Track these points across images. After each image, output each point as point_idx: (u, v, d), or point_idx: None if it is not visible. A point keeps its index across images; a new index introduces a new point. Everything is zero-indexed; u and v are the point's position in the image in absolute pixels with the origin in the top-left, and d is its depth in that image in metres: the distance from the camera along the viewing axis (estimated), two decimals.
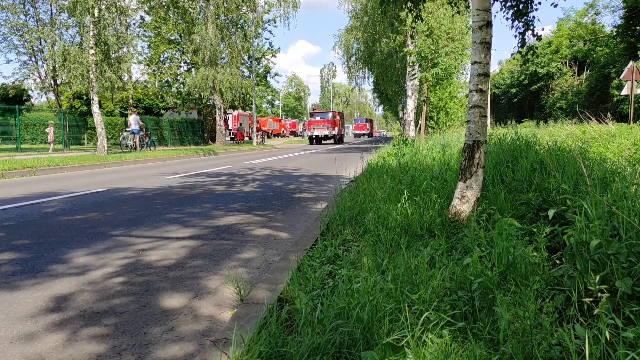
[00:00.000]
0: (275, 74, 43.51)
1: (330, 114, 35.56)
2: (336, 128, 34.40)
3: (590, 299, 1.97)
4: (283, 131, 64.55)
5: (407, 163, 7.02)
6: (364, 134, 64.54)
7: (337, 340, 1.85)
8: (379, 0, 5.36)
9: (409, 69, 21.74)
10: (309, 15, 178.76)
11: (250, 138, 40.26)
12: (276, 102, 75.72)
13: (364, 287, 2.20)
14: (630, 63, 15.60)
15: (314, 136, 34.96)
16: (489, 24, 3.75)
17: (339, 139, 36.02)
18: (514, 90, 55.52)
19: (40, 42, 26.47)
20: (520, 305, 2.03)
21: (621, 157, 5.68)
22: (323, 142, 36.63)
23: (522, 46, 4.70)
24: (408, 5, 5.07)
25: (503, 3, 4.66)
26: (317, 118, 35.46)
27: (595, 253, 2.05)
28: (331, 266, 2.95)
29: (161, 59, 31.43)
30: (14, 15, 26.28)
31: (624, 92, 16.09)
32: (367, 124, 66.61)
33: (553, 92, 49.38)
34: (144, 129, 23.33)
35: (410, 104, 23.43)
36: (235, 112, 41.33)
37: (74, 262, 3.55)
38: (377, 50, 29.80)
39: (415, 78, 17.71)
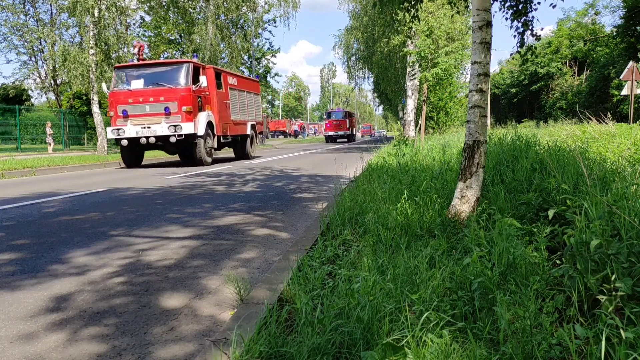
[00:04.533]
0: (276, 74, 43.52)
1: (181, 77, 12.47)
2: (191, 116, 12.49)
3: (590, 299, 1.97)
4: (296, 131, 65.05)
5: (407, 163, 7.02)
6: (341, 137, 40.43)
7: (337, 340, 1.85)
8: (376, 2, 5.34)
9: (409, 69, 21.74)
10: (310, 15, 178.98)
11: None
12: (276, 102, 75.82)
13: (364, 287, 2.19)
14: (630, 63, 15.63)
15: (124, 140, 12.62)
16: (489, 24, 3.75)
17: (236, 147, 15.86)
18: (514, 90, 55.51)
19: (40, 42, 26.51)
20: (520, 305, 2.03)
21: (621, 157, 5.68)
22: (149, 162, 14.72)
23: (521, 46, 4.70)
24: (405, 5, 5.06)
25: (502, 3, 4.66)
26: (136, 86, 12.57)
27: (596, 253, 2.05)
28: (331, 266, 2.95)
29: (161, 59, 31.45)
30: (14, 15, 26.32)
31: (624, 92, 16.11)
32: (347, 122, 40.61)
33: (553, 92, 49.37)
34: None
35: (410, 104, 23.44)
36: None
37: (74, 262, 3.55)
38: (377, 50, 29.80)
39: (415, 78, 17.73)
